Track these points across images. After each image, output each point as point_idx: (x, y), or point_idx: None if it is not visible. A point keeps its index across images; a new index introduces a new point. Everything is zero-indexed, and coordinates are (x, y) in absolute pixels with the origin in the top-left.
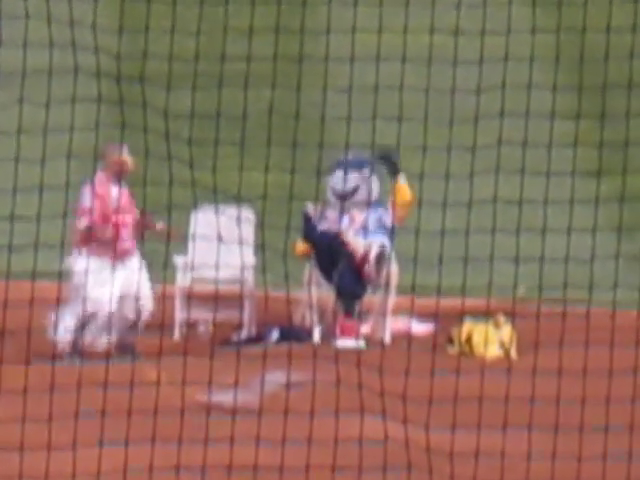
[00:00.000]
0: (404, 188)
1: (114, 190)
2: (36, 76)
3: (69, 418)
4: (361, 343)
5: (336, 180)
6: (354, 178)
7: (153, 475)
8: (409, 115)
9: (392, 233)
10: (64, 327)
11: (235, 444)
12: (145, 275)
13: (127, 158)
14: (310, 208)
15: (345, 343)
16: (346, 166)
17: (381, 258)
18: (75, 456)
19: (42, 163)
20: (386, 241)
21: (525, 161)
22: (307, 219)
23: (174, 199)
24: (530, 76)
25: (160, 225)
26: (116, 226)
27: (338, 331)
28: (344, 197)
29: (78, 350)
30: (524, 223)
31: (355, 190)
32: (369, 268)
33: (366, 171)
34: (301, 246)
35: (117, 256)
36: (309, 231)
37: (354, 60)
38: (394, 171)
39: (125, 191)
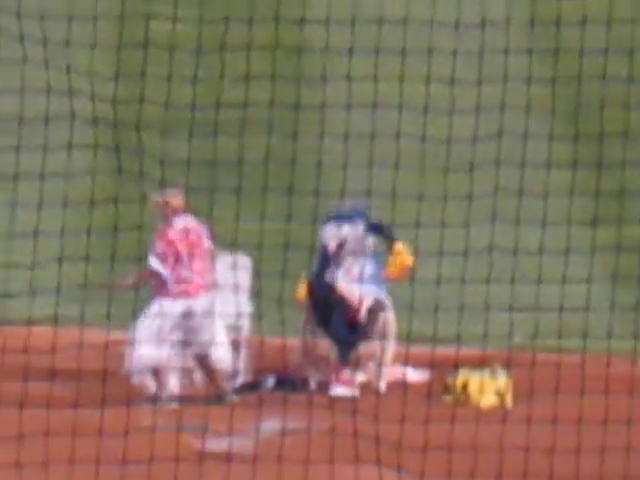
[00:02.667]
0: (404, 252)
1: (172, 231)
2: (33, 122)
3: (63, 464)
4: (355, 392)
5: (327, 232)
6: (345, 230)
7: None
8: (405, 163)
9: (385, 284)
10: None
11: None
12: (216, 319)
13: (169, 199)
14: (328, 241)
15: (340, 391)
16: (337, 218)
17: (374, 310)
18: None
19: (39, 209)
20: (380, 292)
21: (521, 210)
22: (325, 250)
23: None
24: (526, 125)
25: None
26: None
27: (333, 379)
28: (333, 249)
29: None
30: (520, 272)
31: (342, 244)
32: (362, 319)
33: (359, 223)
34: (303, 291)
35: (177, 296)
36: (322, 265)
37: (351, 108)
38: (389, 241)
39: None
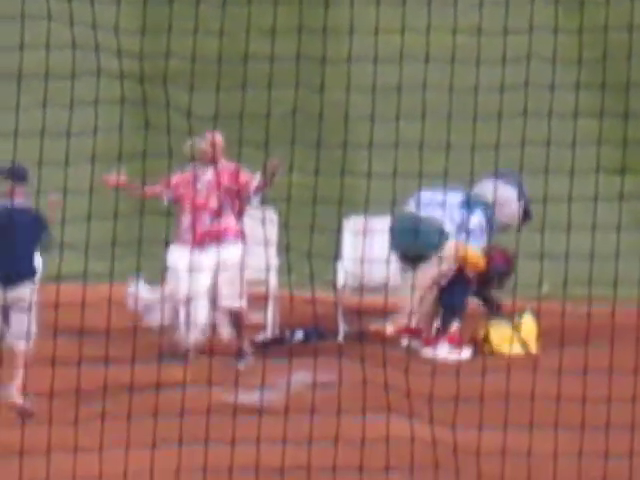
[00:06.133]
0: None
1: (202, 175)
2: (58, 78)
3: (95, 420)
4: (461, 353)
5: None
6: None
7: (180, 476)
8: (432, 114)
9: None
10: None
11: (261, 445)
12: (235, 265)
13: (205, 144)
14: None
15: (445, 352)
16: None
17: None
18: (102, 458)
19: (65, 166)
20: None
21: (549, 159)
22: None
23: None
24: (553, 75)
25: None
26: (196, 210)
27: (441, 340)
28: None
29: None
30: (548, 221)
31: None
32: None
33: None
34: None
35: (198, 242)
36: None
37: (377, 60)
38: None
39: (218, 174)
